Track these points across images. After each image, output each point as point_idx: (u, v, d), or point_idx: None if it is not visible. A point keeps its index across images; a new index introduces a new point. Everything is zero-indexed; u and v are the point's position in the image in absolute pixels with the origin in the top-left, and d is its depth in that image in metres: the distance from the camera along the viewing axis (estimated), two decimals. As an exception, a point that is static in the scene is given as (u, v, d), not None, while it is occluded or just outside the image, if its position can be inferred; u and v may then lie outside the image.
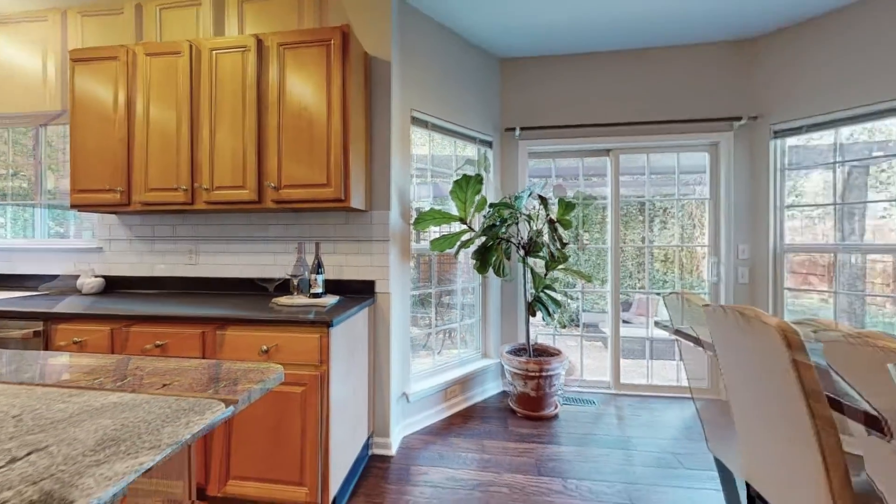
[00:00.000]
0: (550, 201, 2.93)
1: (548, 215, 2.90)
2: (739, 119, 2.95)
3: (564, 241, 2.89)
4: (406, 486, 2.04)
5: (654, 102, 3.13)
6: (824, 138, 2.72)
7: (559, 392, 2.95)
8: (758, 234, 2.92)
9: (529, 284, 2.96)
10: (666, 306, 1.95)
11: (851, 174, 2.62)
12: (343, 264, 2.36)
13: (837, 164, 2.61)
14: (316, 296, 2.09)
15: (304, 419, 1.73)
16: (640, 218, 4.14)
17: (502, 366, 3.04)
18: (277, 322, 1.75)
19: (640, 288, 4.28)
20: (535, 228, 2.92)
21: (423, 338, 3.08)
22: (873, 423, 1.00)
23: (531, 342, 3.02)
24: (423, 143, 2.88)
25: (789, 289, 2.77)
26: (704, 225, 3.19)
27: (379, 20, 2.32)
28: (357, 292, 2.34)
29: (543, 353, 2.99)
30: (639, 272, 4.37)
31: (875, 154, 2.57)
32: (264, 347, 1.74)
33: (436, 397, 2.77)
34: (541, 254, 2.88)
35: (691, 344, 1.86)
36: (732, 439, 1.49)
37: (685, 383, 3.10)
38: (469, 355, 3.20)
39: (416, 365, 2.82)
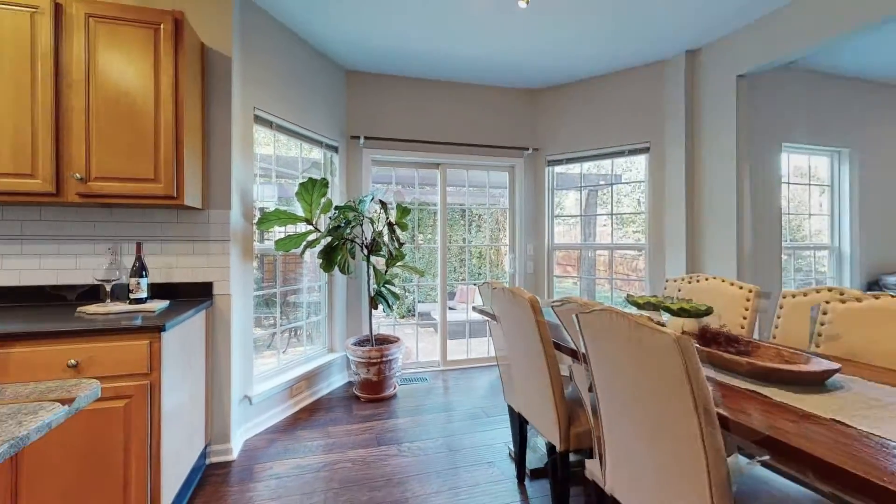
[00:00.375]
0: (390, 206, 3.29)
1: (388, 218, 3.25)
2: (527, 149, 3.91)
3: (402, 241, 3.30)
4: (249, 484, 2.07)
5: (473, 128, 3.85)
6: (575, 168, 3.89)
7: (397, 374, 3.35)
8: (539, 236, 3.94)
9: (372, 280, 3.27)
10: (480, 293, 2.53)
11: (589, 195, 3.82)
12: (173, 266, 2.19)
13: (582, 188, 3.79)
14: (139, 301, 1.92)
15: (128, 434, 1.61)
16: (462, 222, 4.96)
17: (347, 357, 3.26)
18: (91, 332, 1.57)
19: (461, 280, 5.10)
20: (376, 230, 3.24)
21: (268, 338, 3.03)
22: (575, 355, 1.66)
23: (374, 333, 3.33)
24: (267, 143, 2.85)
25: (557, 276, 3.86)
26: (506, 229, 4.09)
27: (219, 13, 2.24)
28: (191, 295, 2.21)
29: (384, 341, 3.35)
30: (461, 267, 5.23)
31: (600, 183, 3.83)
32: (72, 362, 1.55)
33: (281, 395, 2.80)
34: (381, 253, 3.22)
35: (491, 319, 2.48)
36: (515, 389, 2.10)
37: (493, 353, 3.92)
38: (315, 351, 3.30)
39: (261, 365, 2.79)
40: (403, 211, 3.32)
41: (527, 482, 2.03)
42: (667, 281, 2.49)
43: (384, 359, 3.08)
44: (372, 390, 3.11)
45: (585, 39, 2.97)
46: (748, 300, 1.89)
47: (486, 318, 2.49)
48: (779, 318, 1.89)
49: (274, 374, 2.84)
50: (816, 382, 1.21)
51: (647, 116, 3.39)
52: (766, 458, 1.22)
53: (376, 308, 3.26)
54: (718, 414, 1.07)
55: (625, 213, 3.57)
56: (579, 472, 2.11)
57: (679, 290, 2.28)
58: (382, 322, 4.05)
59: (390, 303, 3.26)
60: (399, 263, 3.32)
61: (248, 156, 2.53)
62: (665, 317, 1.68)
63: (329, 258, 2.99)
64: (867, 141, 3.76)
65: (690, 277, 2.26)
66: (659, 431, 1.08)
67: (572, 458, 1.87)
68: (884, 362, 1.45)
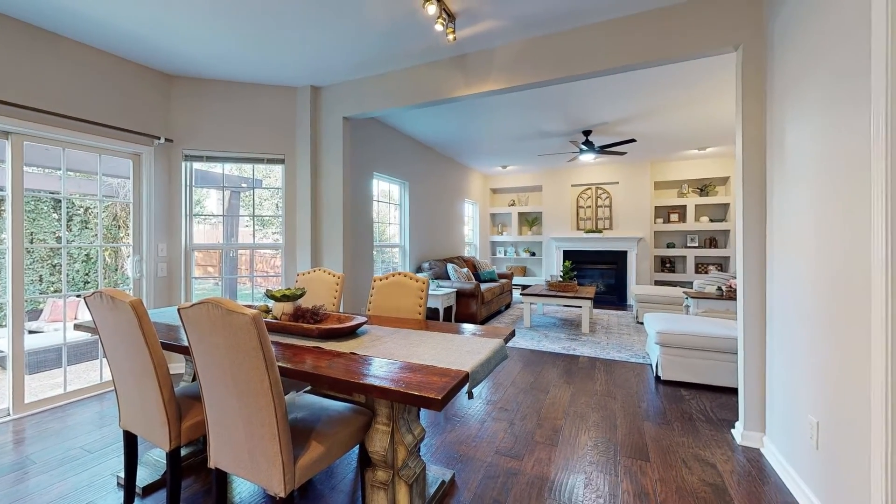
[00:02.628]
0: None
1: None
2: (158, 138, 3.45)
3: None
4: None
5: (74, 96, 2.97)
6: (218, 168, 3.80)
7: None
8: (173, 236, 3.58)
9: None
10: (88, 307, 2.06)
11: (232, 196, 3.84)
12: None
13: (225, 188, 3.76)
14: None
15: None
16: (56, 216, 3.59)
17: None
18: None
19: (55, 292, 3.74)
20: None
21: None
22: (186, 351, 1.74)
23: None
24: None
25: (196, 277, 3.64)
26: (129, 226, 3.44)
27: None
28: None
29: None
30: (53, 275, 3.79)
31: (242, 185, 3.95)
32: None
33: None
34: None
35: (93, 333, 2.11)
36: (126, 405, 1.89)
37: (110, 375, 3.21)
38: None
39: None
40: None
41: (137, 503, 1.90)
42: (297, 275, 2.95)
43: None
44: None
45: (223, 41, 2.99)
46: (338, 285, 2.58)
47: (96, 335, 2.09)
48: (372, 295, 2.68)
49: None
50: (352, 332, 1.88)
51: (284, 132, 3.80)
52: (308, 388, 1.78)
53: None
54: (281, 366, 1.48)
55: (265, 216, 3.83)
56: (204, 464, 2.18)
57: (297, 281, 2.76)
58: None
59: None
60: None
61: None
62: (271, 303, 2.05)
63: None
64: (415, 177, 5.83)
65: (308, 271, 2.80)
66: (246, 392, 1.36)
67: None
68: (392, 314, 2.41)
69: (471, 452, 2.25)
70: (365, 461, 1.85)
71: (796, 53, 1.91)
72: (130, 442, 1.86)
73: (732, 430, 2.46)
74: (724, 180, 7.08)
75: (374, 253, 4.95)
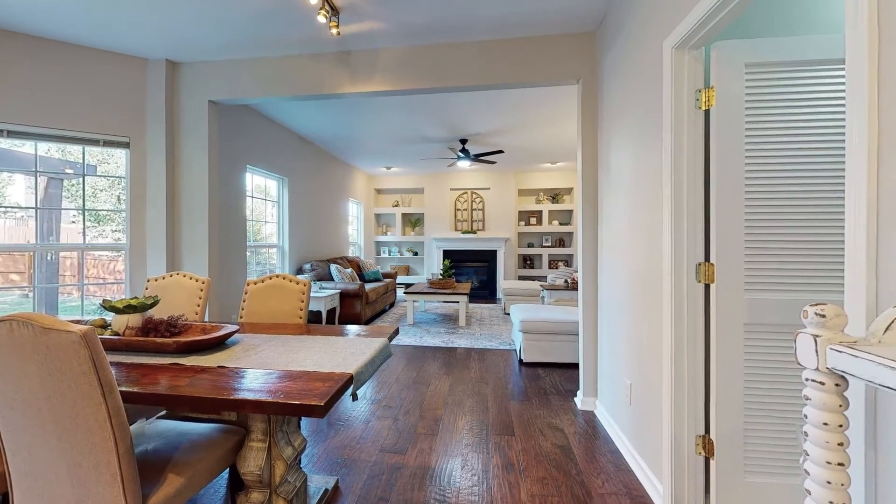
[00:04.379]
0: None
1: None
2: (-80, 100, 2.47)
3: None
4: None
5: None
6: (29, 147, 2.90)
7: None
8: (-51, 233, 2.61)
9: None
10: None
11: (51, 184, 2.99)
12: None
13: (39, 173, 2.89)
14: None
15: None
16: None
17: None
18: None
19: None
20: None
21: None
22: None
23: None
24: None
25: (-10, 287, 2.72)
26: None
27: None
28: None
29: None
30: None
31: (67, 171, 3.10)
32: None
33: None
34: None
35: None
36: None
37: None
38: None
39: None
40: None
41: None
42: (148, 280, 2.45)
43: None
44: None
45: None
46: (202, 290, 2.23)
47: None
48: (245, 300, 2.37)
49: None
50: (220, 343, 1.65)
51: (130, 111, 3.10)
52: (163, 412, 1.53)
53: None
54: (124, 391, 1.22)
55: (101, 210, 3.06)
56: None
57: (147, 289, 2.30)
58: None
59: None
60: None
61: None
62: (110, 316, 1.67)
63: None
64: (296, 173, 5.44)
65: (162, 276, 2.35)
66: (72, 429, 1.07)
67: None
68: (269, 320, 2.21)
69: (355, 455, 2.19)
70: (236, 484, 1.64)
71: (619, 90, 2.36)
72: None
73: (575, 399, 2.92)
74: (570, 190, 8.33)
75: (249, 254, 4.41)
